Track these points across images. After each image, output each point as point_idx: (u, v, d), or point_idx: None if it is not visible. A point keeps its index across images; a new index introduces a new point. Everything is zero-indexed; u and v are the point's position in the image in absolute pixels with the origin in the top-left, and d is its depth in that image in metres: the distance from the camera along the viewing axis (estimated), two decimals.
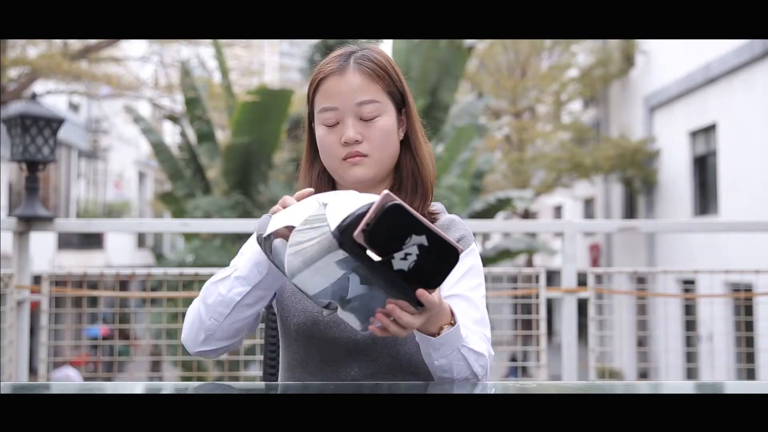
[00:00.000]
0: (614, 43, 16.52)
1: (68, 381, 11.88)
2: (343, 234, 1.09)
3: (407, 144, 1.48)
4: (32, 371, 3.55)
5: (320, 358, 1.44)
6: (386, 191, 1.10)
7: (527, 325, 3.49)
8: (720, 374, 3.68)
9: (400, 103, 1.46)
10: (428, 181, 1.48)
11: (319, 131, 1.44)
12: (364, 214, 1.09)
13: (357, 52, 1.44)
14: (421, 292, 1.13)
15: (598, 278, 3.39)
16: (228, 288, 1.33)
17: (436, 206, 1.53)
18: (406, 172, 1.47)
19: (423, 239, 1.09)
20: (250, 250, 1.37)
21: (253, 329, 1.44)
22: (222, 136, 13.35)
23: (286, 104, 10.13)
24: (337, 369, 1.43)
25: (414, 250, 1.09)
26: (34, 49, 11.66)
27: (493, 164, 12.87)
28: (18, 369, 3.13)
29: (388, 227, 1.08)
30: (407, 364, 1.44)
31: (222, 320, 1.34)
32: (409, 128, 1.48)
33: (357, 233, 1.08)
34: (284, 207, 1.23)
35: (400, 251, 1.09)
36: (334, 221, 1.10)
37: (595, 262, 17.52)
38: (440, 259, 1.11)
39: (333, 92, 1.41)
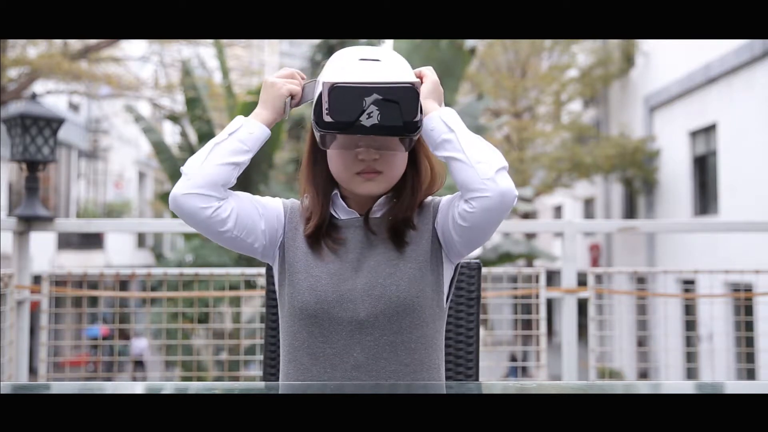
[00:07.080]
0: (614, 43, 16.50)
1: (145, 351, 12.11)
2: (317, 119, 1.35)
3: (412, 158, 1.50)
4: (32, 371, 3.55)
5: (323, 339, 1.45)
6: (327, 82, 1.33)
7: (527, 325, 3.49)
8: (720, 374, 3.68)
9: None
10: (421, 193, 1.52)
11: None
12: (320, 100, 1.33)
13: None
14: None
15: (598, 278, 3.39)
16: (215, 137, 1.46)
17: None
18: (407, 184, 1.50)
19: (375, 96, 1.31)
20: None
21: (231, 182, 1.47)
22: None
23: None
24: (340, 352, 1.44)
25: (373, 108, 1.31)
26: (34, 49, 11.66)
27: None
28: (18, 369, 3.13)
29: (341, 103, 1.31)
30: (408, 340, 1.45)
31: (203, 161, 1.42)
32: (417, 142, 1.49)
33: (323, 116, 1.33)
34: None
35: (363, 114, 1.31)
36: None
37: (595, 262, 17.51)
38: (403, 100, 1.32)
39: None
